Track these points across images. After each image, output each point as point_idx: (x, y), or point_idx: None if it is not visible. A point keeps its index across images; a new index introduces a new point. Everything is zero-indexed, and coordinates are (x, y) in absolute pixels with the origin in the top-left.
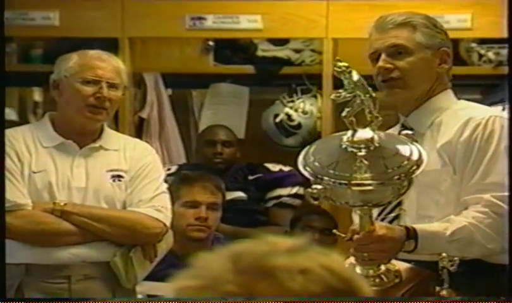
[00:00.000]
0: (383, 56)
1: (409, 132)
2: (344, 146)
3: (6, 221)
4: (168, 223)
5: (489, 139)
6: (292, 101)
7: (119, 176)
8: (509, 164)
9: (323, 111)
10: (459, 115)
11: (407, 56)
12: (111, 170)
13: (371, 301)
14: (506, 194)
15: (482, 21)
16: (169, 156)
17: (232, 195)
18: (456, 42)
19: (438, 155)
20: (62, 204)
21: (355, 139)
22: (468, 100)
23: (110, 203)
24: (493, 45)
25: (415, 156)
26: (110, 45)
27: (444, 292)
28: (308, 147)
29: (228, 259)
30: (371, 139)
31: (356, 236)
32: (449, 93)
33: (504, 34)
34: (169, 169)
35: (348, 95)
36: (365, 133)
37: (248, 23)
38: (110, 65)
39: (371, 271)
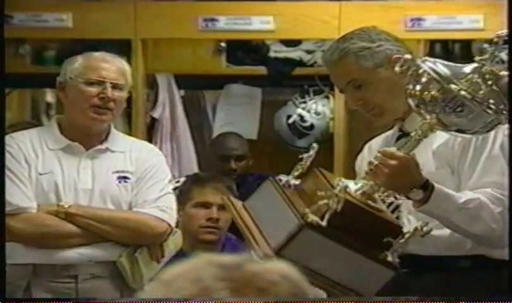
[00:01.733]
0: (348, 94)
1: None
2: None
3: (10, 224)
4: (173, 224)
5: (484, 138)
6: (305, 102)
7: (125, 177)
8: (509, 164)
9: (336, 112)
10: None
11: (367, 85)
12: (117, 172)
13: (371, 301)
14: (505, 193)
15: (495, 22)
16: (180, 158)
17: None
18: (468, 43)
19: (435, 157)
20: (66, 206)
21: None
22: None
23: (116, 204)
24: (505, 45)
25: None
26: (123, 47)
27: (389, 258)
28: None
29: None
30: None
31: (386, 149)
32: None
33: None
34: (177, 181)
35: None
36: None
37: (260, 24)
38: (114, 66)
39: (368, 187)
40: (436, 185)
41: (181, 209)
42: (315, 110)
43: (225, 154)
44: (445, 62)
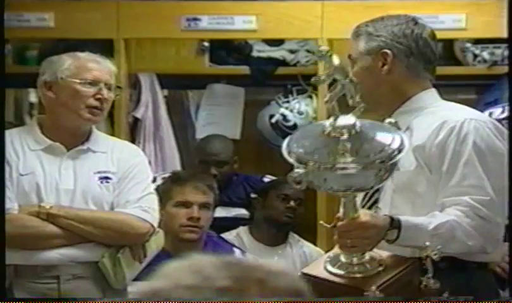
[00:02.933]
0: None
1: (392, 120)
2: (326, 131)
3: None
4: (155, 224)
5: (464, 142)
6: (288, 101)
7: (107, 178)
8: (509, 163)
9: (319, 111)
10: (435, 117)
11: (354, 66)
12: (99, 172)
13: (371, 301)
14: (485, 198)
15: (477, 21)
16: (163, 158)
17: (234, 211)
18: (450, 42)
19: (413, 156)
20: (48, 207)
21: (337, 124)
22: (463, 99)
23: (98, 205)
24: (488, 45)
25: (397, 142)
26: (106, 46)
27: (428, 282)
28: (291, 135)
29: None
30: (353, 125)
31: (339, 223)
32: (431, 92)
33: (499, 34)
34: (163, 177)
35: (326, 78)
36: (347, 119)
37: (243, 23)
38: (106, 68)
39: (355, 259)
40: (402, 218)
41: (161, 208)
42: (298, 110)
43: (205, 160)
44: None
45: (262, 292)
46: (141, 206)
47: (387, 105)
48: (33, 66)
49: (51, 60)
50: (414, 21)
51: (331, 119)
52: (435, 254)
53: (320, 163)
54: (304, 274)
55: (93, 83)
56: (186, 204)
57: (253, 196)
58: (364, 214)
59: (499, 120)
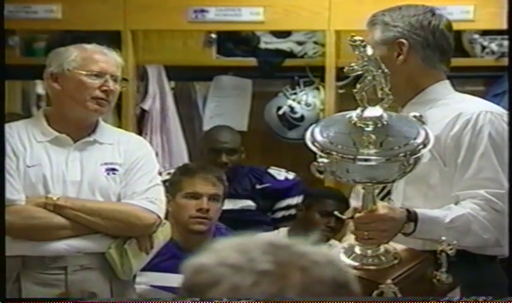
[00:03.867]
0: None
1: (417, 114)
2: (353, 121)
3: None
4: (162, 215)
5: (480, 134)
6: (295, 93)
7: (114, 169)
8: (509, 163)
9: (326, 103)
10: (450, 109)
11: None
12: (105, 164)
13: (371, 301)
14: (501, 191)
15: (485, 13)
16: (170, 149)
17: (240, 203)
18: (458, 34)
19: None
20: (55, 198)
21: (364, 115)
22: (471, 91)
23: (105, 196)
24: (496, 36)
25: (422, 137)
26: (113, 38)
27: (441, 276)
28: (315, 124)
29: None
30: (381, 117)
31: (357, 214)
32: (445, 84)
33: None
34: (169, 173)
35: (360, 69)
36: (374, 111)
37: (250, 15)
38: (112, 59)
39: (369, 251)
40: (418, 211)
41: (170, 199)
42: (306, 101)
43: (216, 147)
44: (327, 128)
45: (304, 280)
46: (147, 197)
47: (401, 96)
48: (40, 58)
49: (57, 51)
50: (432, 12)
51: (358, 110)
52: (451, 249)
53: (343, 153)
54: None
55: (99, 74)
56: (196, 196)
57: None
58: (382, 207)
59: None
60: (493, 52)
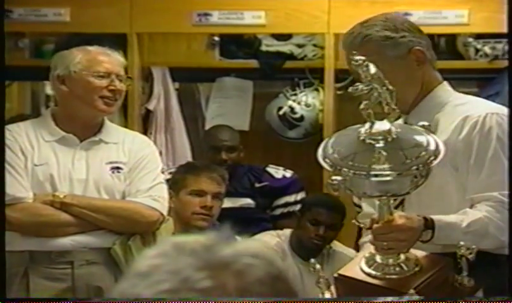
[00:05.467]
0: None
1: (425, 123)
2: (362, 138)
3: (7, 214)
4: (165, 212)
5: (488, 136)
6: (295, 94)
7: (118, 168)
8: (509, 164)
9: (325, 104)
10: (456, 112)
11: (384, 74)
12: (110, 162)
13: (370, 301)
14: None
15: (479, 17)
16: (174, 148)
17: (240, 201)
18: (453, 37)
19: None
20: (61, 196)
21: (373, 131)
22: (465, 93)
23: (110, 194)
24: (489, 40)
25: (432, 147)
26: (119, 40)
27: (463, 280)
28: (326, 139)
29: (187, 254)
30: (389, 131)
31: (375, 225)
32: (445, 86)
33: (500, 29)
34: (171, 172)
35: (365, 88)
36: (382, 125)
37: (252, 18)
38: (116, 60)
39: (391, 260)
40: (435, 218)
41: (173, 196)
42: (305, 102)
43: (216, 145)
44: (339, 145)
45: (242, 284)
46: (151, 195)
47: (410, 103)
48: (49, 59)
49: (62, 54)
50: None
51: (366, 125)
52: (470, 253)
53: (355, 169)
54: (340, 276)
55: (105, 75)
56: (200, 193)
57: (257, 185)
58: (399, 217)
59: None
60: (486, 55)
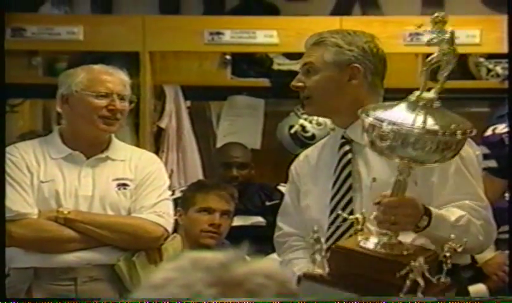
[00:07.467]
0: (299, 74)
1: None
2: (410, 100)
3: (11, 229)
4: (169, 228)
5: None
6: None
7: (125, 184)
8: (509, 165)
9: None
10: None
11: (314, 74)
12: (117, 179)
13: (369, 301)
14: (482, 203)
15: (490, 37)
16: (185, 166)
17: (251, 219)
18: (465, 57)
19: (390, 168)
20: (65, 212)
21: (423, 95)
22: (477, 112)
23: (115, 210)
24: (500, 60)
25: (467, 126)
26: (132, 59)
27: (440, 277)
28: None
29: (198, 270)
30: (433, 99)
31: (386, 199)
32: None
33: None
34: (182, 191)
35: (437, 41)
36: (429, 94)
37: (264, 37)
38: (118, 79)
39: (385, 238)
40: (431, 208)
41: (183, 213)
42: (317, 121)
43: (227, 162)
44: (382, 105)
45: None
46: (155, 211)
47: (346, 116)
48: None
49: (67, 73)
50: (377, 39)
51: (416, 92)
52: (460, 246)
53: (397, 124)
54: (337, 247)
55: (106, 94)
56: (209, 211)
57: (268, 203)
58: (409, 194)
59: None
60: (498, 75)
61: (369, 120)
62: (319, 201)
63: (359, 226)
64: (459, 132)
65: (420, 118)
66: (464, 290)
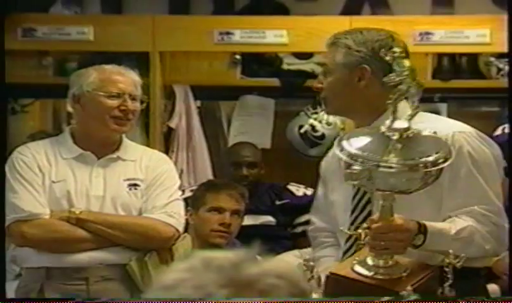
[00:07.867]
0: (319, 74)
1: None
2: (381, 131)
3: (23, 229)
4: (180, 229)
5: (459, 154)
6: (316, 112)
7: (136, 185)
8: (509, 166)
9: (347, 122)
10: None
11: (329, 76)
12: (128, 179)
13: (368, 301)
14: (492, 207)
15: (501, 36)
16: (195, 166)
17: (261, 219)
18: (475, 56)
19: None
20: (77, 212)
21: (393, 126)
22: (487, 112)
23: (126, 210)
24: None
25: (445, 151)
26: (142, 59)
27: (444, 290)
28: (343, 135)
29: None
30: (407, 129)
31: (375, 225)
32: (404, 104)
33: None
34: (192, 190)
35: (398, 79)
36: (401, 123)
37: (274, 37)
38: (129, 79)
39: (381, 262)
40: (427, 223)
41: (193, 213)
42: (326, 121)
43: (238, 161)
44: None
45: (263, 299)
46: (166, 211)
47: (365, 115)
48: None
49: (78, 73)
50: (392, 38)
51: (388, 121)
52: (458, 262)
53: (368, 160)
54: (333, 274)
55: (118, 94)
56: (219, 210)
57: (278, 202)
58: (398, 218)
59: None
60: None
61: (343, 157)
62: (343, 199)
63: (362, 241)
64: (421, 165)
65: (391, 155)
66: (483, 291)
